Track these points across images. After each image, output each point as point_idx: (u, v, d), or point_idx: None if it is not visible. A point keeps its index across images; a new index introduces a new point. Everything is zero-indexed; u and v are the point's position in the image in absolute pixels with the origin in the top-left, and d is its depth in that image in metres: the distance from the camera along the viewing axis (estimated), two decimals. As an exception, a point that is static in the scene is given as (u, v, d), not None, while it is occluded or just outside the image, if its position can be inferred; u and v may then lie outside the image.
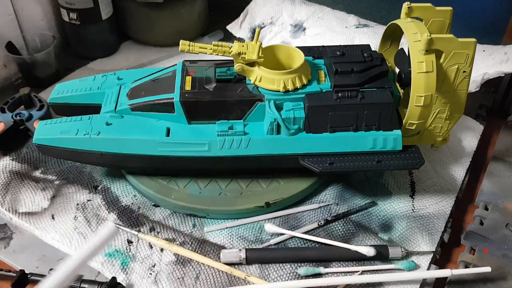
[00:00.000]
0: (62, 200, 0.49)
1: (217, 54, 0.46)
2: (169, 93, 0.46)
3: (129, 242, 0.46)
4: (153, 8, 0.71)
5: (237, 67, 0.46)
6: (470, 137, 0.58)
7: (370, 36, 0.67)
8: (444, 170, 0.54)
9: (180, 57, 0.71)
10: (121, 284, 0.42)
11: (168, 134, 0.46)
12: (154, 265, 0.44)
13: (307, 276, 0.43)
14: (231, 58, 0.46)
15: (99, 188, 0.51)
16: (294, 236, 0.46)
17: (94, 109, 0.51)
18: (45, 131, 0.48)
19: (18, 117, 0.55)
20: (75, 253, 0.32)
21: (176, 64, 0.50)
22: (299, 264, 0.44)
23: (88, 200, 0.49)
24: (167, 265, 0.44)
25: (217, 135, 0.45)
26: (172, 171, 0.49)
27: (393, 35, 0.52)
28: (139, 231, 0.46)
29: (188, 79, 0.48)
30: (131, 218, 0.48)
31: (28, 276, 0.43)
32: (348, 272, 0.43)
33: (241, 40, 0.73)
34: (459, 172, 0.54)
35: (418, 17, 0.48)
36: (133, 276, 0.43)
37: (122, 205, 0.49)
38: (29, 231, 0.47)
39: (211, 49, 0.46)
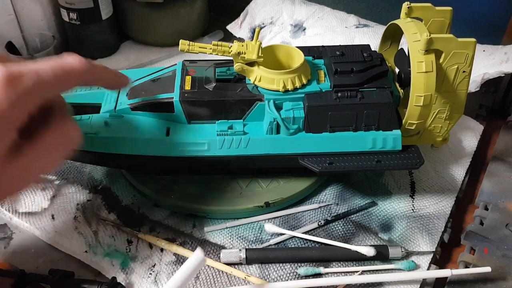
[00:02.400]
0: (62, 200, 0.49)
1: (217, 54, 0.46)
2: (169, 93, 0.46)
3: (129, 242, 0.46)
4: (153, 8, 0.71)
5: (236, 66, 0.46)
6: (470, 137, 0.58)
7: (370, 36, 0.67)
8: (444, 170, 0.54)
9: (180, 57, 0.71)
10: (121, 284, 0.42)
11: (167, 134, 0.46)
12: (154, 265, 0.44)
13: (307, 276, 0.43)
14: (231, 58, 0.46)
15: (99, 188, 0.51)
16: (294, 236, 0.46)
17: (94, 108, 0.51)
18: (45, 131, 0.48)
19: (18, 117, 0.55)
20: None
21: (176, 64, 0.50)
22: (299, 264, 0.44)
23: (88, 200, 0.50)
24: (167, 265, 0.44)
25: (217, 134, 0.45)
26: (172, 171, 0.49)
27: (393, 35, 0.52)
28: (139, 231, 0.46)
29: (188, 78, 0.48)
30: (131, 218, 0.48)
31: (28, 276, 0.43)
32: (348, 272, 0.43)
33: (241, 40, 0.73)
34: (459, 172, 0.54)
35: (418, 17, 0.48)
36: (133, 276, 0.43)
37: (122, 205, 0.49)
38: (29, 231, 0.47)
39: (210, 48, 0.46)
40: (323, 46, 0.52)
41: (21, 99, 0.31)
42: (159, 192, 0.48)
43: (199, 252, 0.36)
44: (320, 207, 0.49)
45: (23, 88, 0.31)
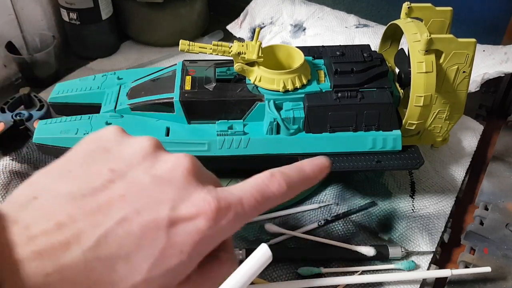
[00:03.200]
0: (62, 200, 0.49)
1: (217, 54, 0.46)
2: (169, 93, 0.46)
3: (129, 242, 0.45)
4: (153, 8, 0.71)
5: (236, 67, 0.46)
6: (470, 137, 0.58)
7: (370, 36, 0.67)
8: (444, 170, 0.54)
9: (180, 57, 0.71)
10: None
11: (167, 134, 0.46)
12: (154, 265, 0.44)
13: (307, 276, 0.43)
14: (231, 58, 0.46)
15: (99, 188, 0.51)
16: (294, 236, 0.46)
17: (94, 108, 0.51)
18: (45, 131, 0.48)
19: (18, 117, 0.55)
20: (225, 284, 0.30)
21: (176, 64, 0.50)
22: (299, 264, 0.44)
23: (88, 200, 0.49)
24: (167, 265, 0.43)
25: (217, 134, 0.45)
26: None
27: (393, 35, 0.52)
28: (139, 231, 0.46)
29: (188, 78, 0.48)
30: (131, 218, 0.48)
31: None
32: (348, 272, 0.43)
33: (241, 40, 0.73)
34: (459, 172, 0.54)
35: (418, 17, 0.48)
36: (133, 276, 0.43)
37: (122, 205, 0.49)
38: (29, 231, 0.47)
39: (211, 48, 0.46)
40: (323, 46, 0.52)
41: (221, 233, 0.29)
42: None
43: (264, 247, 0.32)
44: (320, 207, 0.49)
45: (227, 222, 0.29)
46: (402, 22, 0.46)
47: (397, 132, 0.46)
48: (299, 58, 0.47)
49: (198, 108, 0.46)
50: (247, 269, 0.31)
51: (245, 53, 0.45)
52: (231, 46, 0.46)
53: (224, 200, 0.29)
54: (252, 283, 0.42)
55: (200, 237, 0.28)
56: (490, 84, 0.62)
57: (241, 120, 0.46)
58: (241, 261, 0.43)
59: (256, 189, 0.31)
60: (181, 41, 0.46)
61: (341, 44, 0.52)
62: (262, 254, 0.31)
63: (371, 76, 0.46)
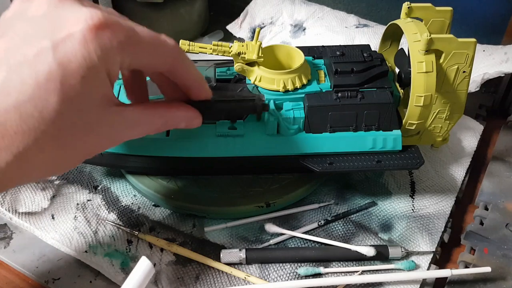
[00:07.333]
0: (62, 200, 0.49)
1: (217, 54, 0.46)
2: (169, 93, 0.46)
3: (129, 242, 0.46)
4: (153, 8, 0.71)
5: (236, 67, 0.46)
6: (470, 137, 0.58)
7: (370, 36, 0.67)
8: (444, 170, 0.54)
9: (180, 57, 0.71)
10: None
11: (167, 134, 0.46)
12: (154, 265, 0.44)
13: (307, 276, 0.43)
14: (231, 58, 0.46)
15: (99, 188, 0.51)
16: (294, 236, 0.46)
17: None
18: (45, 131, 0.47)
19: (18, 117, 0.55)
20: None
21: (176, 64, 0.50)
22: (299, 264, 0.44)
23: (88, 200, 0.50)
24: (167, 265, 0.44)
25: (217, 135, 0.45)
26: (172, 171, 0.49)
27: (393, 35, 0.52)
28: (139, 231, 0.46)
29: (188, 79, 0.48)
30: (131, 218, 0.48)
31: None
32: (348, 272, 0.43)
33: (241, 40, 0.73)
34: (459, 172, 0.54)
35: (418, 17, 0.48)
36: (133, 276, 0.43)
37: (122, 205, 0.49)
38: (29, 231, 0.47)
39: (211, 49, 0.46)
40: (323, 46, 0.52)
41: (111, 51, 0.31)
42: (159, 192, 0.48)
43: (144, 260, 0.34)
44: (320, 207, 0.49)
45: (110, 38, 0.30)
46: (402, 22, 0.46)
47: (397, 132, 0.46)
48: (299, 58, 0.47)
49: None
50: (133, 283, 0.33)
51: (245, 53, 0.45)
52: (231, 46, 0.46)
53: (105, 18, 0.30)
54: (252, 283, 0.42)
55: (85, 48, 0.29)
56: (490, 84, 0.62)
57: (241, 120, 0.46)
58: (241, 262, 0.44)
59: (148, 30, 0.34)
60: (181, 41, 0.46)
61: (341, 44, 0.52)
62: (145, 266, 0.34)
63: (371, 76, 0.46)
